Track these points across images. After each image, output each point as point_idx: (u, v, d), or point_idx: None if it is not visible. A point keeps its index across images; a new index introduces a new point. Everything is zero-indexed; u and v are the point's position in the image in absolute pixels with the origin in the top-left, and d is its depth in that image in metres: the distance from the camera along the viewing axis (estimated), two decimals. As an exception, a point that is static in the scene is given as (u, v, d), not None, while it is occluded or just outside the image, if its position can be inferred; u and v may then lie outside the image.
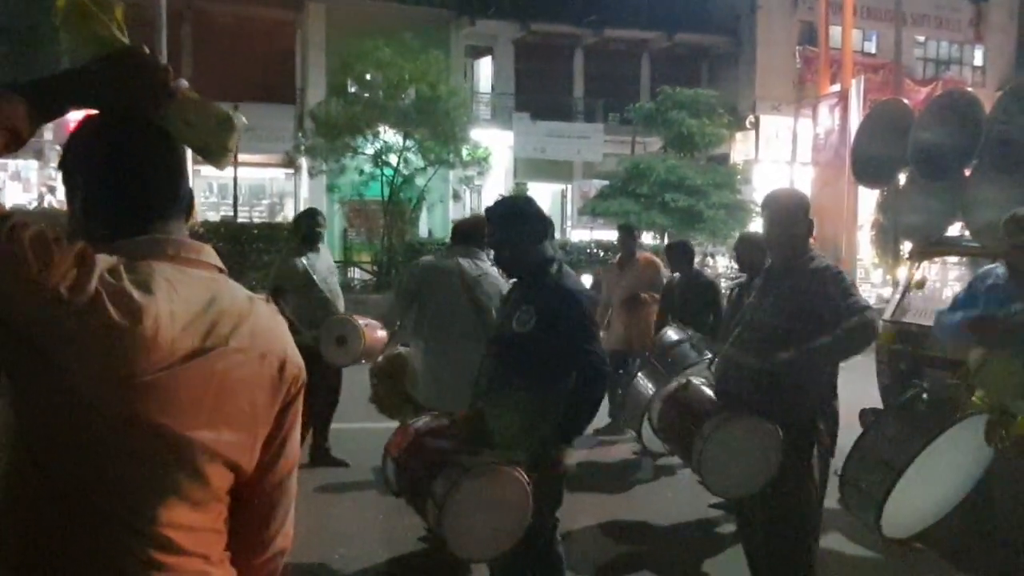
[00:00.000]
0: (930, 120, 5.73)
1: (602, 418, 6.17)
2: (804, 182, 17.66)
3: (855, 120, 14.28)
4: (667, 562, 4.66)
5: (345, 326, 5.69)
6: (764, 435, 3.34)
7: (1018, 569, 3.79)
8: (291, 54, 21.98)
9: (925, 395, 3.39)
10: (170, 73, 1.30)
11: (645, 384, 5.08)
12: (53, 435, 1.14)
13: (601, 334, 4.29)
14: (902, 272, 5.98)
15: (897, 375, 5.27)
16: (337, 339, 5.64)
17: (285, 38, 21.93)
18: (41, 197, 18.55)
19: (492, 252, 3.68)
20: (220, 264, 1.33)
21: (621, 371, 6.41)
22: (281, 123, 19.67)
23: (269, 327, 1.33)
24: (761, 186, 20.82)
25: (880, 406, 5.08)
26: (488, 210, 3.42)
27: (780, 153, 22.70)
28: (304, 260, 5.80)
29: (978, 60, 26.67)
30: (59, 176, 1.35)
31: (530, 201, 3.46)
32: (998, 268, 3.97)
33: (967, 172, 5.41)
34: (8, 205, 1.21)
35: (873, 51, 24.68)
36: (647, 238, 16.88)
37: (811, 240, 3.61)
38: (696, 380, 3.88)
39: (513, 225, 3.20)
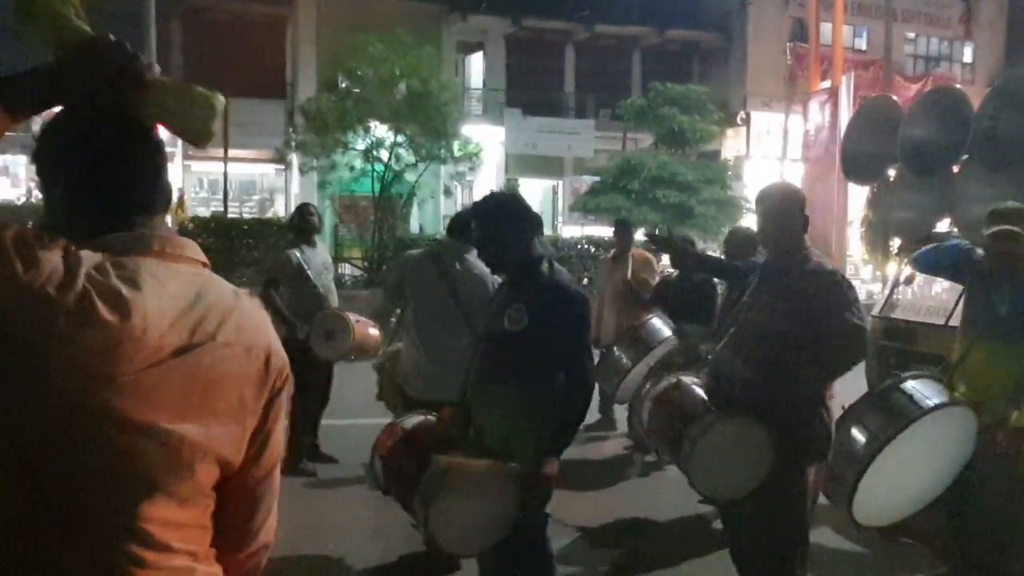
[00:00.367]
0: (919, 117, 5.76)
1: (592, 414, 6.17)
2: (795, 178, 17.67)
3: (845, 116, 14.30)
4: (657, 557, 4.67)
5: (335, 321, 5.68)
6: (755, 436, 3.24)
7: (1001, 565, 3.83)
8: (282, 49, 21.89)
9: (902, 384, 3.36)
10: (141, 60, 1.26)
11: (620, 355, 5.05)
12: (39, 433, 1.13)
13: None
14: (891, 268, 6.01)
15: (886, 371, 5.29)
16: (327, 333, 5.65)
17: (276, 33, 21.84)
18: (29, 192, 18.43)
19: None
20: (204, 259, 1.32)
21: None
22: (272, 119, 19.62)
23: (254, 321, 1.33)
24: (752, 182, 20.91)
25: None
26: (475, 207, 3.40)
27: (771, 149, 22.79)
28: (298, 253, 5.80)
29: (968, 57, 26.81)
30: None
31: (517, 198, 3.44)
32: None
33: (955, 169, 5.44)
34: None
35: (864, 47, 24.75)
36: (638, 235, 16.88)
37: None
38: (687, 379, 3.79)
39: (499, 222, 3.17)
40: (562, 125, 22.98)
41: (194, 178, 21.17)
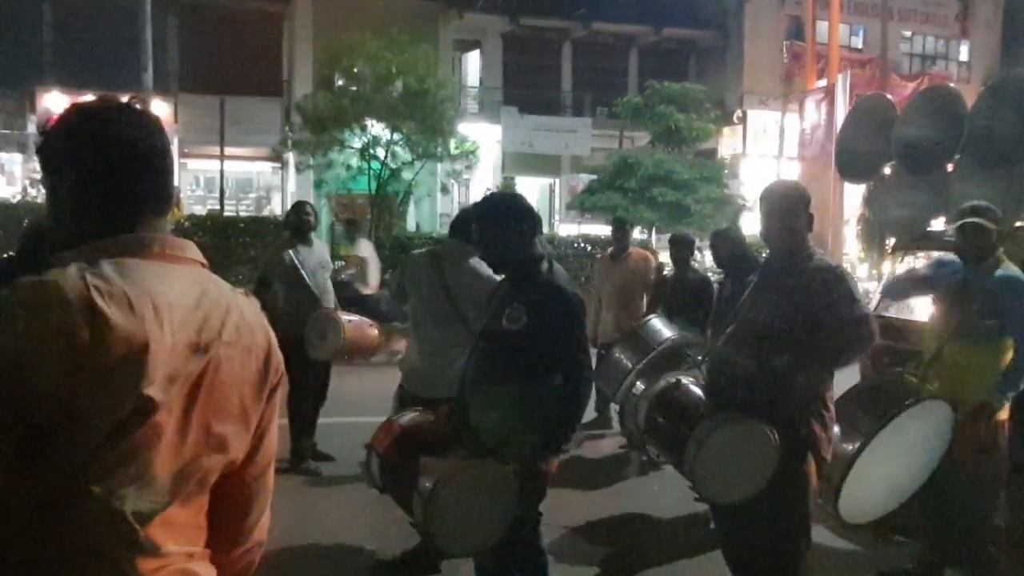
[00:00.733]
0: (913, 115, 5.78)
1: (589, 412, 6.18)
2: (791, 177, 17.74)
3: (841, 115, 14.34)
4: (654, 556, 4.68)
5: (326, 322, 5.67)
6: (762, 439, 3.16)
7: (984, 557, 3.88)
8: (278, 47, 21.83)
9: (885, 380, 3.40)
10: None
11: (620, 356, 5.06)
12: (48, 440, 1.13)
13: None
14: (887, 266, 6.02)
15: (879, 369, 5.30)
16: (319, 333, 5.65)
17: (272, 30, 21.78)
18: (24, 190, 18.38)
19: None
20: (203, 260, 1.33)
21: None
22: (268, 116, 19.56)
23: (252, 320, 1.34)
24: (748, 181, 20.93)
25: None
26: (476, 207, 3.41)
27: (767, 148, 22.80)
28: (292, 252, 5.78)
29: (963, 56, 26.85)
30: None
31: (518, 198, 3.45)
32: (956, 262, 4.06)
33: (950, 167, 5.45)
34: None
35: (860, 46, 24.78)
36: (635, 233, 16.91)
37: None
38: (686, 379, 3.68)
39: (500, 222, 3.19)
40: (559, 123, 22.97)
41: (190, 176, 21.10)
